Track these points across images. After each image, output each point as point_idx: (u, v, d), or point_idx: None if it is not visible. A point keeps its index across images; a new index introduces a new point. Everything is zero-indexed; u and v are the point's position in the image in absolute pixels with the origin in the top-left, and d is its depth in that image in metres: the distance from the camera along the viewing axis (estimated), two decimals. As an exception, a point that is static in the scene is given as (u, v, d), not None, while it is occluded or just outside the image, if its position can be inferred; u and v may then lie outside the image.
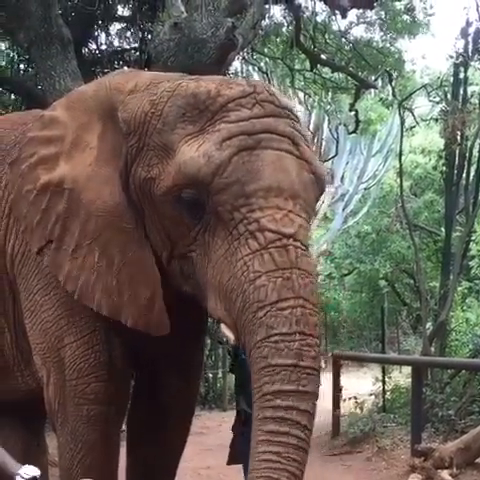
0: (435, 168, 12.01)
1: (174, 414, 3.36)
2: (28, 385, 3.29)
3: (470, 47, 9.60)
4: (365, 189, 20.83)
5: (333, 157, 16.35)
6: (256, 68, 13.06)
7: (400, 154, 10.33)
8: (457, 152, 9.27)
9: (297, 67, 12.17)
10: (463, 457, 6.17)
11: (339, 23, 11.27)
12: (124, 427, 3.43)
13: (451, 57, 10.08)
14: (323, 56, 11.37)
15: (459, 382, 8.23)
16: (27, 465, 1.92)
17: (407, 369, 8.62)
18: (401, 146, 10.36)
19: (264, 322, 2.37)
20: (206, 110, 2.58)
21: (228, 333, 2.72)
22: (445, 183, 9.96)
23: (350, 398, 8.88)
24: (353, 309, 21.34)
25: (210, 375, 11.99)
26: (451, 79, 9.93)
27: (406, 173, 14.02)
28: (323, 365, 3.04)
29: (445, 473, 6.04)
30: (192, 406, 3.57)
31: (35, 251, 2.93)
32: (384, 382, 9.35)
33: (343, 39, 11.60)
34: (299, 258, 2.45)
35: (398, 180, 11.11)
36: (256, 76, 13.03)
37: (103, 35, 10.21)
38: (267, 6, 8.96)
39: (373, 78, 11.86)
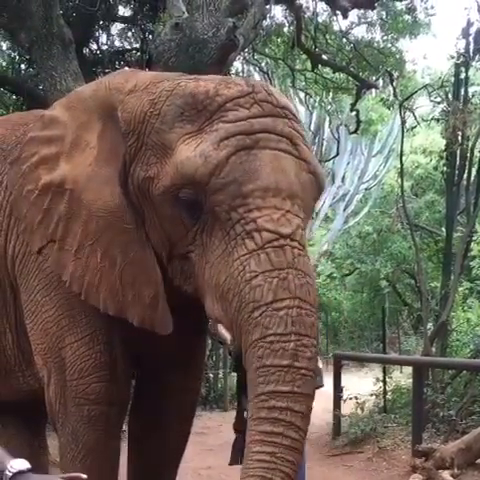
0: (436, 168, 12.01)
1: (175, 414, 3.35)
2: (29, 385, 3.29)
3: (471, 47, 9.60)
4: (366, 189, 20.87)
5: (334, 157, 16.35)
6: (257, 68, 13.08)
7: (401, 154, 10.33)
8: (458, 152, 9.27)
9: (298, 67, 12.17)
10: (464, 457, 6.16)
11: (340, 23, 11.30)
12: (125, 427, 3.43)
13: (452, 57, 10.08)
14: (324, 56, 11.38)
15: (460, 382, 8.23)
16: (17, 459, 1.88)
17: (408, 369, 8.62)
18: (402, 146, 10.35)
19: (260, 322, 2.36)
20: (204, 110, 2.57)
21: (225, 333, 2.72)
22: (446, 183, 9.96)
23: (351, 398, 8.87)
24: (354, 309, 21.39)
25: (211, 375, 11.99)
26: (452, 79, 9.93)
27: (407, 173, 14.04)
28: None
29: (446, 473, 6.03)
30: (193, 406, 3.56)
31: (35, 251, 2.93)
32: (385, 382, 9.35)
33: (344, 39, 11.60)
34: (296, 258, 2.43)
35: (399, 180, 11.11)
36: (257, 76, 13.06)
37: (104, 35, 10.25)
38: (268, 6, 8.96)
39: (374, 78, 11.85)
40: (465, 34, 9.65)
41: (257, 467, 2.30)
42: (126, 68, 8.60)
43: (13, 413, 3.69)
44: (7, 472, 1.83)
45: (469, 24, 9.57)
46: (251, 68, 13.36)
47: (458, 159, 9.32)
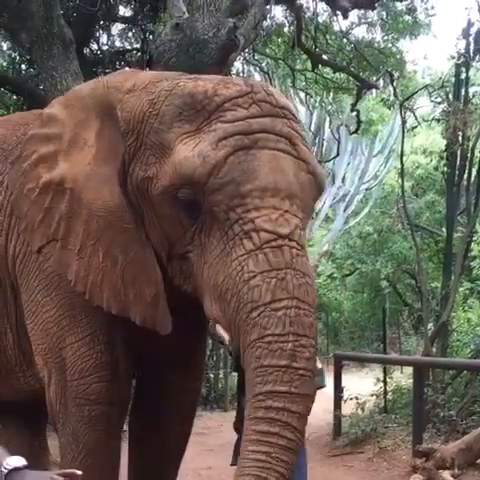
0: (436, 169, 12.00)
1: (176, 414, 3.35)
2: (30, 385, 3.29)
3: (471, 47, 9.60)
4: (366, 190, 20.87)
5: (334, 157, 16.34)
6: (257, 68, 13.07)
7: (401, 154, 10.33)
8: (458, 153, 9.26)
9: (298, 67, 12.17)
10: (464, 458, 6.16)
11: (340, 23, 11.30)
12: (126, 427, 3.43)
13: (452, 57, 10.08)
14: (324, 56, 11.38)
15: (460, 383, 8.23)
16: (13, 456, 1.89)
17: (408, 369, 8.61)
18: (402, 146, 10.35)
19: (258, 323, 2.36)
20: (203, 110, 2.56)
21: (223, 333, 2.72)
22: (446, 184, 9.96)
23: (351, 398, 8.86)
24: (354, 309, 21.38)
25: (211, 375, 11.99)
26: (452, 79, 9.93)
27: (407, 174, 14.03)
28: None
29: (447, 474, 6.02)
30: (194, 406, 3.56)
31: (35, 250, 2.93)
32: (385, 383, 9.34)
33: (344, 39, 11.60)
34: (294, 258, 2.42)
35: (399, 180, 11.10)
36: (257, 76, 13.06)
37: (105, 35, 10.26)
38: (268, 6, 8.96)
39: (374, 78, 11.85)
40: (465, 34, 9.66)
41: (252, 466, 2.31)
42: (126, 68, 8.60)
43: (14, 413, 3.69)
44: (3, 469, 1.83)
45: (469, 24, 9.58)
46: (251, 68, 13.35)
47: (458, 159, 9.32)
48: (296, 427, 2.33)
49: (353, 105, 12.03)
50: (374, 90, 12.97)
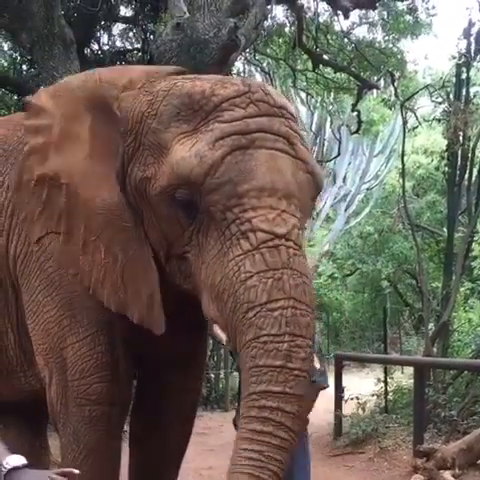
0: (437, 168, 11.99)
1: (176, 414, 3.35)
2: (31, 386, 3.28)
3: (472, 47, 9.60)
4: (367, 189, 20.88)
5: (335, 157, 16.33)
6: (258, 68, 13.08)
7: (402, 154, 10.33)
8: (459, 153, 9.26)
9: (299, 67, 12.17)
10: (465, 458, 6.16)
11: (341, 23, 11.30)
12: (126, 427, 3.43)
13: (453, 57, 10.07)
14: (325, 56, 11.38)
15: (461, 383, 8.22)
16: (13, 455, 1.89)
17: (409, 370, 8.61)
18: (403, 146, 10.36)
19: (254, 323, 2.35)
20: (200, 110, 2.56)
21: (221, 333, 2.71)
22: (447, 184, 9.96)
23: (352, 399, 8.87)
24: (355, 310, 21.36)
25: (212, 376, 11.99)
26: (453, 79, 9.92)
27: (408, 174, 14.03)
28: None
29: (447, 474, 6.03)
30: (194, 406, 3.56)
31: (34, 241, 2.94)
32: (386, 383, 9.34)
33: (345, 39, 11.60)
34: (291, 258, 2.41)
35: (400, 180, 11.08)
36: (258, 76, 13.07)
37: (105, 35, 10.27)
38: (269, 6, 8.96)
39: (375, 78, 11.86)
40: (466, 34, 9.65)
41: (245, 464, 2.30)
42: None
43: (15, 413, 3.69)
44: (2, 468, 1.84)
45: (470, 24, 9.57)
46: (252, 68, 13.35)
47: (459, 159, 9.32)
48: (290, 427, 2.32)
49: (354, 105, 12.03)
50: (375, 90, 12.98)
